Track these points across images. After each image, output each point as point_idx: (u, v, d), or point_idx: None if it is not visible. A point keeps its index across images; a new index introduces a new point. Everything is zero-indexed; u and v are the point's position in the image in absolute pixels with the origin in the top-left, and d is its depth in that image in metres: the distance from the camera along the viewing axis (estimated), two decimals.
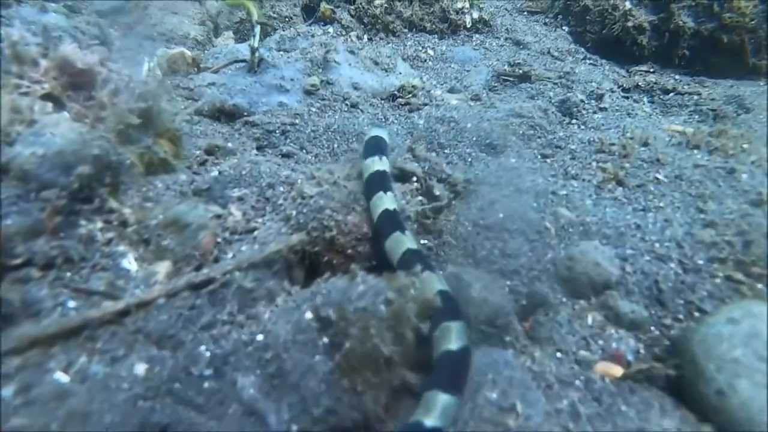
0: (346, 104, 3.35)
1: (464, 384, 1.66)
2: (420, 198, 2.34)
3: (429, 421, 1.52)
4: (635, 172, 2.85)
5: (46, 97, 2.29)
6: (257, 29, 3.40)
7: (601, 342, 2.05)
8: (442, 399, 1.56)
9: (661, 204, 2.61)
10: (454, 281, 1.96)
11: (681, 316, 2.14)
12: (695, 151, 2.97)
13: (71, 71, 2.36)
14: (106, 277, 1.93)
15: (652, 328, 2.12)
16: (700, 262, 2.28)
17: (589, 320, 2.11)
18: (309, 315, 1.71)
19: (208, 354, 1.70)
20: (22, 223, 1.94)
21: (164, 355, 1.71)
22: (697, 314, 2.10)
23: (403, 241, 1.98)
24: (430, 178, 2.41)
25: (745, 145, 2.95)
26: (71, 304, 1.86)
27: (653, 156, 2.94)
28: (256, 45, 3.35)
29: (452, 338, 1.71)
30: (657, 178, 2.79)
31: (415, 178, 2.40)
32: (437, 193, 2.34)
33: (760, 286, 2.19)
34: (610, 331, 2.09)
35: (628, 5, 4.57)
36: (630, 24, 4.51)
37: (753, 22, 4.21)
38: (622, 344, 2.03)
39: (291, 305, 1.80)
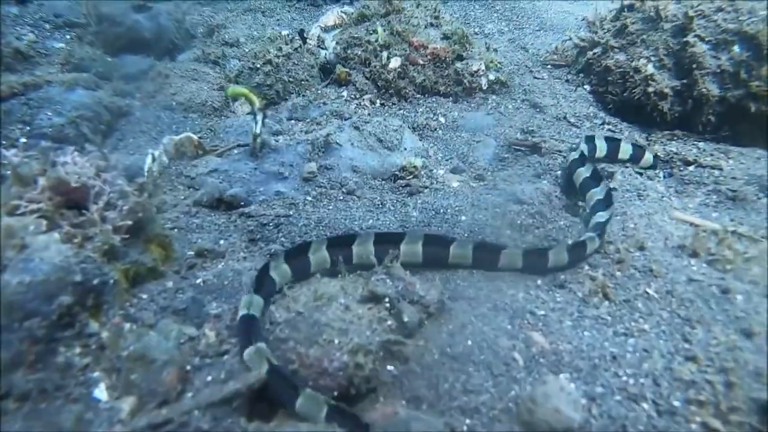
0: (343, 191, 3.40)
1: None
2: (389, 323, 2.35)
3: None
4: (625, 283, 2.77)
5: (41, 216, 2.46)
6: (259, 117, 3.50)
7: None
8: None
9: (646, 326, 2.52)
10: (403, 429, 1.97)
11: None
12: (692, 261, 2.85)
13: (66, 189, 2.52)
14: (75, 410, 2.05)
15: None
16: (677, 403, 2.19)
17: None
18: None
19: None
20: (5, 357, 2.09)
21: None
22: None
23: None
24: (400, 300, 2.42)
25: (747, 256, 2.81)
26: None
27: (647, 264, 2.84)
28: (258, 131, 3.45)
29: None
30: (647, 293, 2.70)
31: (387, 300, 2.42)
32: (405, 319, 2.35)
33: None
34: None
35: (650, 69, 4.41)
36: (651, 89, 4.35)
37: None
38: None
39: None
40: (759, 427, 2.05)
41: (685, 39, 4.21)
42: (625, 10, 4.72)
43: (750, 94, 4.10)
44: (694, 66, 4.19)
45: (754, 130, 4.28)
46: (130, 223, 2.53)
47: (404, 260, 2.62)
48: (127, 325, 2.34)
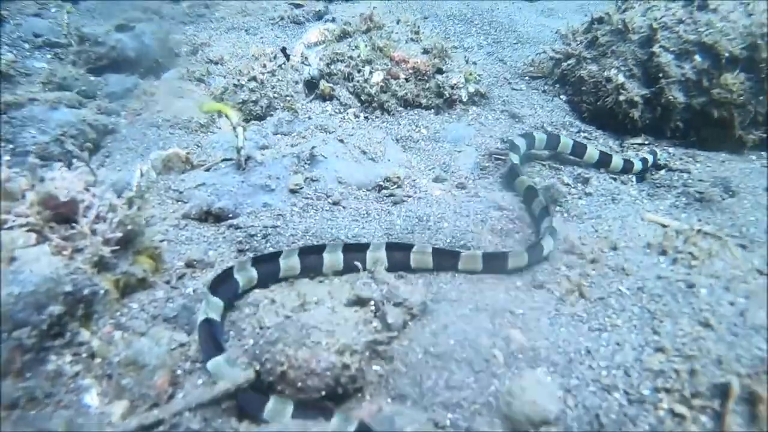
0: (328, 202, 3.49)
1: None
2: (374, 325, 2.44)
3: None
4: (600, 281, 2.89)
5: (30, 230, 2.51)
6: (239, 131, 3.59)
7: None
8: None
9: (618, 321, 2.63)
10: (387, 425, 2.06)
11: None
12: (661, 259, 2.98)
13: (55, 203, 2.58)
14: (66, 415, 2.10)
15: None
16: (646, 392, 2.30)
17: None
18: None
19: None
20: None
21: None
22: None
23: None
24: (385, 303, 2.51)
25: (712, 252, 2.95)
26: None
27: (620, 263, 2.97)
28: (240, 145, 3.55)
29: None
30: (620, 290, 2.81)
31: (372, 303, 2.51)
32: (390, 321, 2.44)
33: (703, 419, 2.21)
34: None
35: (621, 78, 4.58)
36: (622, 98, 4.53)
37: (741, 98, 4.18)
38: None
39: None
40: (719, 410, 2.18)
41: (651, 49, 4.40)
42: (595, 23, 4.92)
43: (712, 101, 4.29)
44: (661, 75, 4.37)
45: (716, 136, 4.48)
46: (119, 235, 2.60)
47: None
48: (118, 333, 2.40)
